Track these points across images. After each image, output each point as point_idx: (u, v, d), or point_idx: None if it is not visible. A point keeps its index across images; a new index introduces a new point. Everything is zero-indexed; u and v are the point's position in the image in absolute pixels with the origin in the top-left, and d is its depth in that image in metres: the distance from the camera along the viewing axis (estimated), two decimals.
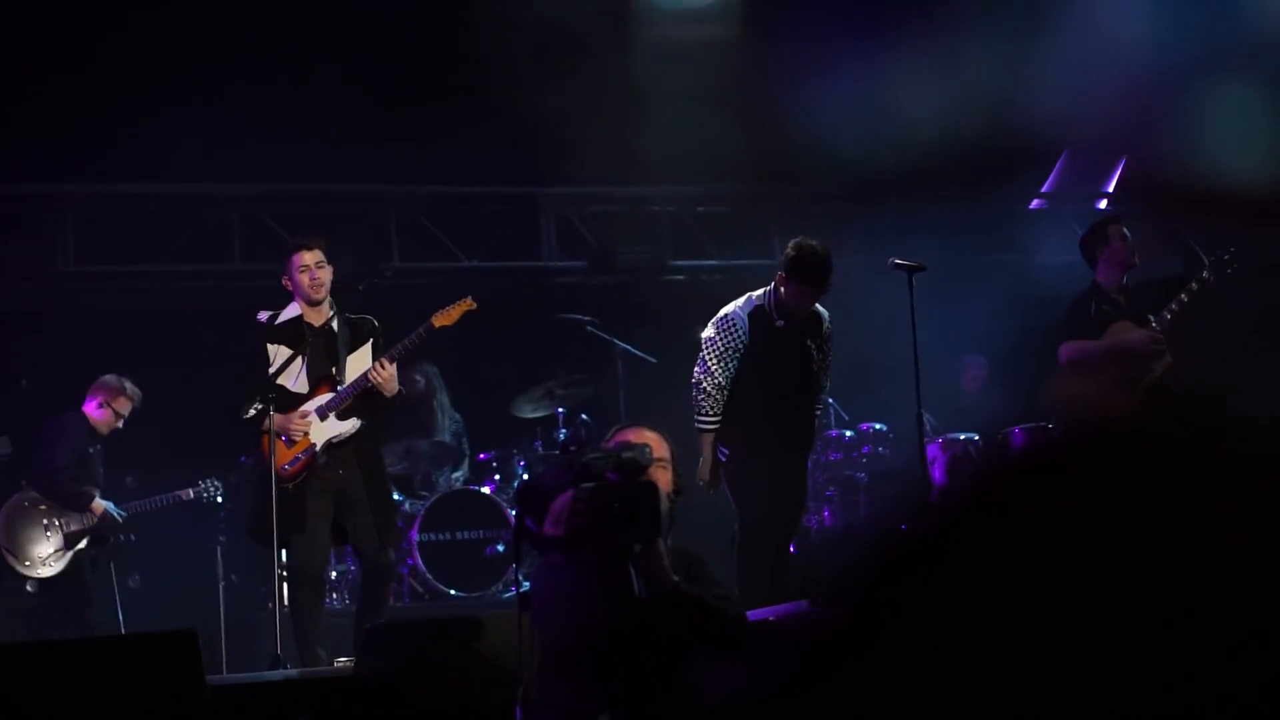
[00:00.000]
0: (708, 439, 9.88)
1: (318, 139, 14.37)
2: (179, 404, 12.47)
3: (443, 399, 14.25)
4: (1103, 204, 17.42)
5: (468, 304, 10.05)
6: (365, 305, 10.44)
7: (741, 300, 10.09)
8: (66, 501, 11.89)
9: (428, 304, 10.21)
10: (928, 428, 11.46)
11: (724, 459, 9.86)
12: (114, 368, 12.44)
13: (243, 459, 12.14)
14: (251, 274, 14.50)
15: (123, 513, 12.02)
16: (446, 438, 14.12)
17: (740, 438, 9.87)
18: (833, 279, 10.06)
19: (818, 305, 10.15)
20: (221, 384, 10.17)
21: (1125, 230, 10.99)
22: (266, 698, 7.70)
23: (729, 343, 9.92)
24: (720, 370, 9.86)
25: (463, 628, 7.58)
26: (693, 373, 9.98)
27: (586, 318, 13.85)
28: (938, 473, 12.88)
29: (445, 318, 9.97)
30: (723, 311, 10.08)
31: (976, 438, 13.29)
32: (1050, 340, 10.90)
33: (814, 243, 10.04)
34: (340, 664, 8.80)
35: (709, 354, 9.92)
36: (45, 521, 11.79)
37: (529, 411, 14.03)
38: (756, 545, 9.71)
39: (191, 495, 11.73)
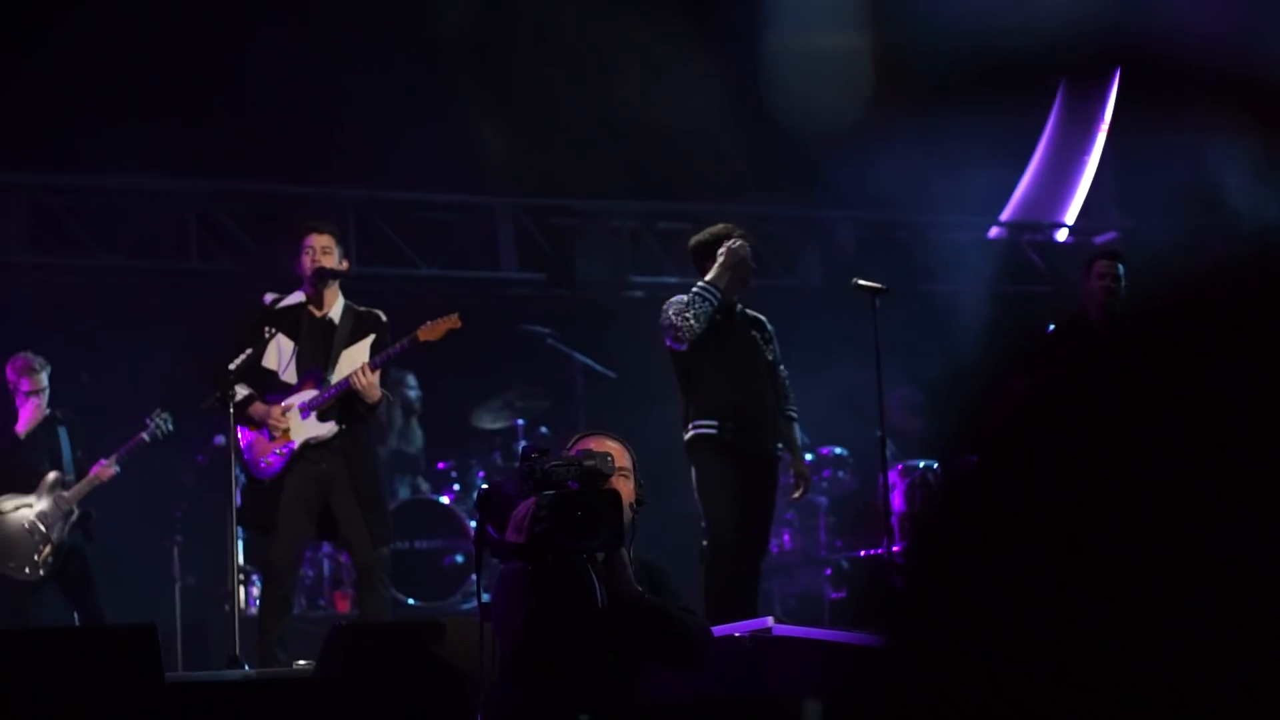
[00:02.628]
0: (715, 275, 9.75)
1: (282, 139, 14.34)
2: (132, 401, 12.35)
3: (413, 408, 14.29)
4: (1061, 234, 17.55)
5: (454, 321, 9.83)
6: None
7: None
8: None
9: (385, 309, 10.16)
10: (889, 453, 11.42)
11: (693, 465, 9.74)
12: (60, 362, 11.96)
13: (199, 458, 12.07)
14: (207, 273, 14.48)
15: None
16: (411, 449, 14.12)
17: (710, 444, 9.69)
18: (746, 234, 10.06)
19: (759, 315, 10.13)
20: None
21: (1118, 268, 10.78)
22: (224, 696, 7.67)
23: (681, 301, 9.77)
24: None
25: (425, 632, 7.55)
26: (666, 315, 9.75)
27: (546, 330, 13.83)
28: (897, 500, 12.88)
29: (430, 332, 9.78)
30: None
31: (936, 465, 13.28)
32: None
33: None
34: (300, 666, 8.73)
35: (672, 306, 9.78)
36: (23, 525, 11.43)
37: (488, 422, 14.01)
38: (727, 560, 9.59)
39: (146, 437, 11.33)
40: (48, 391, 11.60)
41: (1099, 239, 17.30)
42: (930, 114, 14.53)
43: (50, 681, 6.81)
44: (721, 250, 9.80)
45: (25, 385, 11.53)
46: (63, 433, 11.61)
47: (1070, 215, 17.88)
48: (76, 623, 11.16)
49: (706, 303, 9.67)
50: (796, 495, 10.31)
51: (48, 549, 11.17)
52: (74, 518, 11.31)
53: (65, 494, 11.30)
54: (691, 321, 9.62)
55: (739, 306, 10.00)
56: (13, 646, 7.19)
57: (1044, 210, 17.90)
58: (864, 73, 15.38)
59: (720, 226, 10.08)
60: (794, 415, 10.17)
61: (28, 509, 11.24)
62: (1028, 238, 17.36)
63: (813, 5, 15.38)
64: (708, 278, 9.73)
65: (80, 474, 11.42)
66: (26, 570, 11.11)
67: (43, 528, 11.19)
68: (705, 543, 9.62)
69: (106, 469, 11.31)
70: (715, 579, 9.50)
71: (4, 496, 11.32)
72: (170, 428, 11.25)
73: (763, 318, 10.16)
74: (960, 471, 1.65)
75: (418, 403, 14.37)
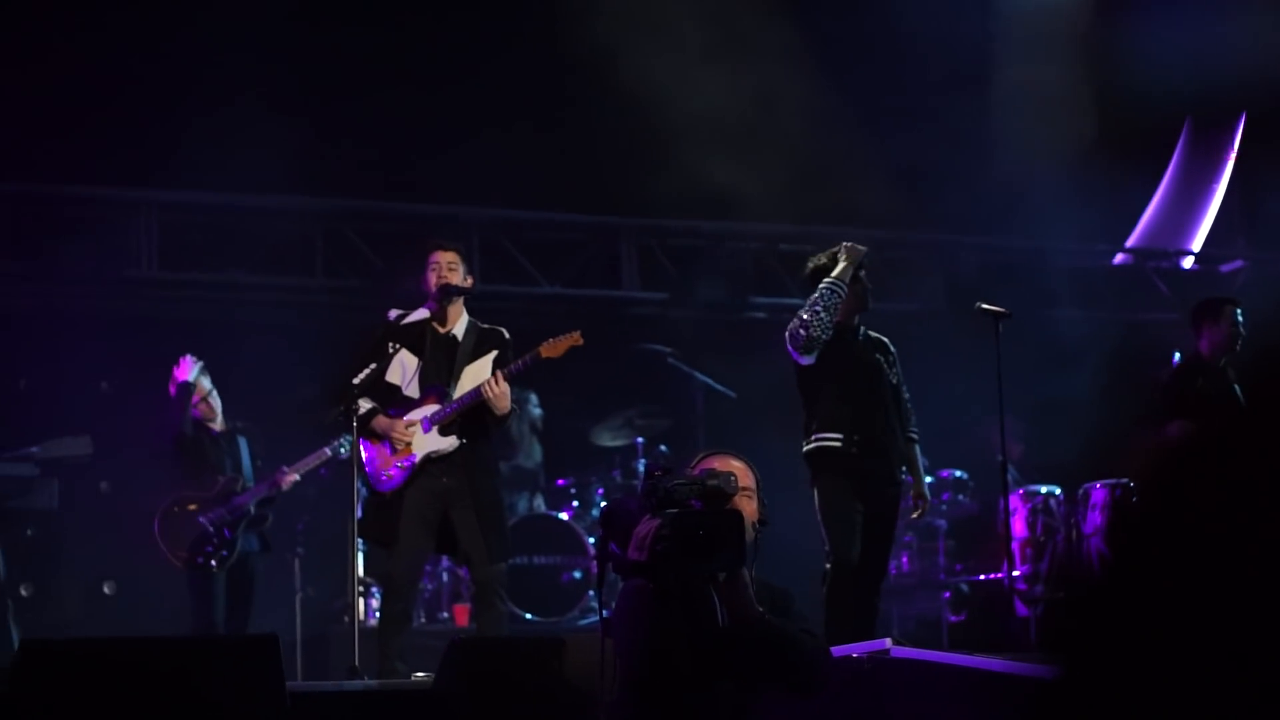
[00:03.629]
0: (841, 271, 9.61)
1: (408, 159, 14.45)
2: (256, 416, 12.46)
3: (535, 426, 14.33)
4: (1187, 262, 17.39)
5: (575, 338, 9.80)
6: None
7: None
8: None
9: (508, 327, 10.18)
10: (1010, 477, 11.34)
11: (815, 486, 9.68)
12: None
13: (322, 471, 12.16)
14: (332, 290, 14.62)
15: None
16: (530, 464, 14.17)
17: (834, 467, 9.60)
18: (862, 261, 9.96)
19: (882, 336, 10.05)
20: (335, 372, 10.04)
21: (1238, 315, 11.08)
22: (344, 707, 7.72)
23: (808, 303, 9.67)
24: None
25: (543, 647, 7.57)
26: (794, 321, 9.59)
27: (666, 349, 13.85)
28: (1017, 524, 12.77)
29: (552, 349, 9.75)
30: None
31: (1058, 491, 13.15)
32: (1149, 403, 10.95)
33: None
34: (418, 678, 8.76)
35: (805, 310, 9.65)
36: (199, 518, 11.59)
37: (608, 440, 14.05)
38: (847, 582, 9.52)
39: (329, 452, 11.50)
40: (217, 395, 11.81)
41: (1225, 268, 17.16)
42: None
43: (174, 690, 6.88)
44: (840, 249, 9.73)
45: (202, 414, 11.76)
46: (243, 442, 11.83)
47: (1197, 242, 17.72)
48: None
49: (835, 295, 9.56)
50: (915, 516, 10.27)
51: (221, 545, 11.34)
52: (250, 518, 11.49)
53: (242, 498, 11.48)
54: (822, 314, 9.47)
55: (861, 329, 9.93)
56: (138, 654, 7.26)
57: (1170, 237, 17.75)
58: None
59: (836, 247, 9.99)
60: (915, 437, 10.09)
61: (206, 506, 11.42)
62: (1153, 265, 17.22)
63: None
64: (834, 274, 9.64)
65: (259, 481, 11.62)
66: (199, 562, 11.28)
67: (218, 526, 11.36)
68: (827, 565, 9.56)
69: (287, 476, 11.50)
70: (835, 600, 9.44)
71: (186, 490, 11.48)
72: (347, 453, 11.41)
73: (886, 340, 10.07)
74: (1168, 496, 1.59)
75: (540, 421, 14.44)
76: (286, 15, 13.75)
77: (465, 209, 15.00)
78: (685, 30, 14.30)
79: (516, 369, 9.76)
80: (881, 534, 9.75)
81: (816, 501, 9.61)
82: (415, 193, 14.83)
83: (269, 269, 14.61)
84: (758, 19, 14.57)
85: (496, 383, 9.61)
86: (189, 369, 11.73)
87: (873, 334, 10.02)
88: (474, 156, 14.66)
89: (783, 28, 14.82)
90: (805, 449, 9.69)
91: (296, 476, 11.53)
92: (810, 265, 10.03)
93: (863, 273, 9.91)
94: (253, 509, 11.54)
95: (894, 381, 9.92)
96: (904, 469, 9.93)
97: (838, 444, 9.56)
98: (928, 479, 13.19)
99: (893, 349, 10.05)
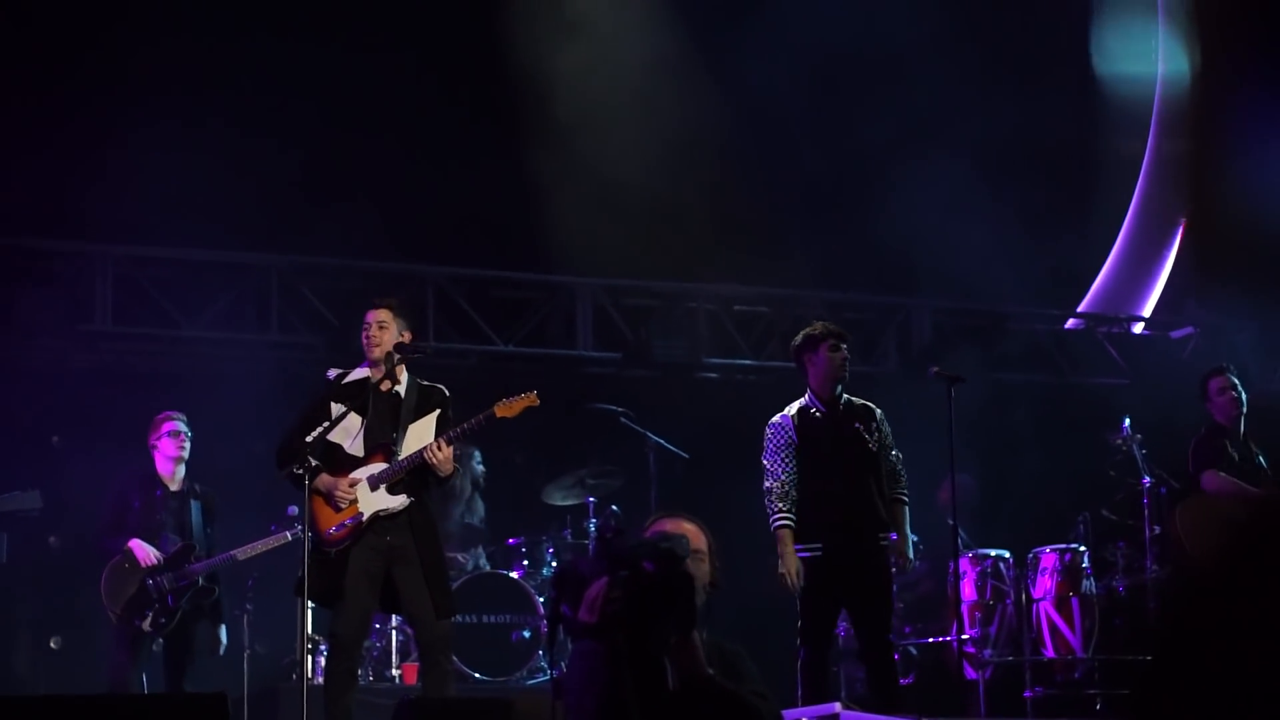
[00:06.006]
0: (783, 535, 9.80)
1: (362, 215, 14.45)
2: (208, 470, 12.40)
3: (478, 483, 14.29)
4: (1138, 328, 17.49)
5: (532, 399, 9.77)
6: None
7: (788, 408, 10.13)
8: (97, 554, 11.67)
9: (462, 385, 10.17)
10: (960, 541, 11.38)
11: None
12: (141, 431, 11.98)
13: (272, 527, 12.11)
14: (288, 345, 14.59)
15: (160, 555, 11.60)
16: (475, 520, 14.13)
17: (805, 536, 9.85)
18: (842, 333, 10.11)
19: (868, 403, 10.15)
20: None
21: (1233, 379, 11.80)
22: None
23: (779, 440, 9.92)
24: (780, 467, 9.87)
25: (492, 708, 7.57)
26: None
27: (619, 409, 13.85)
28: (967, 587, 12.82)
29: (507, 409, 9.71)
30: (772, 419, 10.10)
31: (1008, 554, 13.20)
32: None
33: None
34: None
35: (765, 456, 9.93)
36: (147, 580, 11.44)
37: (559, 499, 14.02)
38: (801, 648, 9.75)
39: (290, 536, 11.40)
40: (186, 458, 11.71)
41: (1175, 334, 17.26)
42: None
43: None
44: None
45: (172, 450, 11.64)
46: (195, 506, 11.69)
47: (1148, 308, 17.84)
48: (144, 688, 11.21)
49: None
50: (895, 571, 10.41)
51: (161, 612, 11.22)
52: (197, 589, 11.39)
53: (192, 566, 11.38)
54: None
55: (844, 399, 10.04)
56: (85, 712, 7.23)
57: (1122, 302, 17.86)
58: None
59: (816, 328, 10.15)
60: (903, 498, 10.22)
61: (156, 569, 11.30)
62: (1104, 330, 17.31)
63: None
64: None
65: (211, 548, 11.52)
66: (136, 622, 11.17)
67: (162, 592, 11.25)
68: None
69: (245, 553, 11.44)
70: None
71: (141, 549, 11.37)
72: None
73: (870, 405, 10.19)
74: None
75: (483, 478, 14.39)
76: (239, 71, 13.81)
77: (421, 266, 15.01)
78: (641, 98, 14.39)
79: (471, 428, 9.73)
80: (847, 591, 9.91)
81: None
82: (372, 250, 14.82)
83: (223, 324, 14.57)
84: (717, 92, 14.68)
85: (440, 448, 9.59)
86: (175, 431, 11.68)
87: (856, 401, 10.12)
88: (430, 214, 14.69)
89: (737, 92, 14.91)
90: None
91: (251, 555, 11.50)
92: (791, 347, 10.25)
93: (844, 345, 10.03)
94: (201, 580, 11.43)
95: (874, 449, 10.00)
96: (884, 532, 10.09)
97: (815, 553, 9.79)
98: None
99: (878, 413, 10.15)
